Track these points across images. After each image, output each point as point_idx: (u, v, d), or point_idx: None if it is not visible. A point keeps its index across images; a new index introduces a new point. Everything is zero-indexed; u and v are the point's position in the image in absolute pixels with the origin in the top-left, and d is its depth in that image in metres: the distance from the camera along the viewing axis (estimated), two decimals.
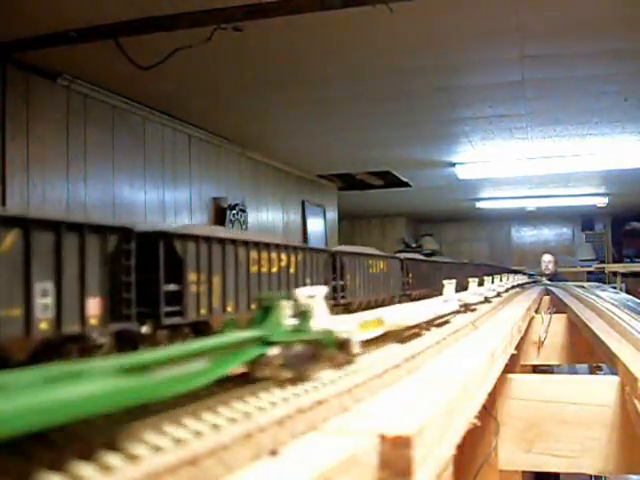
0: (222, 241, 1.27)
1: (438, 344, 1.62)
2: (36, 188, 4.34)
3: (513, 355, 2.36)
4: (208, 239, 1.22)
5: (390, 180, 9.47)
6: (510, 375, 2.54)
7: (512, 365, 2.42)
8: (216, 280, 1.23)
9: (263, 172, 7.71)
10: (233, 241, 1.30)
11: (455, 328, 1.95)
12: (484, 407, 1.81)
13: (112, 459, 0.59)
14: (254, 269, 1.36)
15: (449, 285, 2.57)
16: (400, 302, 2.65)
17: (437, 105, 5.79)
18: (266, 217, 7.72)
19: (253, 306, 1.32)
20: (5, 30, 3.80)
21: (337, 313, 1.68)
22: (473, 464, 2.47)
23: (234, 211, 6.72)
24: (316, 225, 9.14)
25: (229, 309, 1.27)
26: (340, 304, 1.87)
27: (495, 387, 1.94)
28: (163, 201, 5.75)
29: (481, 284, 3.53)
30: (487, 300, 2.96)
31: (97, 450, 0.62)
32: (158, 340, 1.06)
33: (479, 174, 8.62)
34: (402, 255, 2.77)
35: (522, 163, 8.06)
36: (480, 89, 5.28)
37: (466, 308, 2.51)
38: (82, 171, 4.76)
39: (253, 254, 1.36)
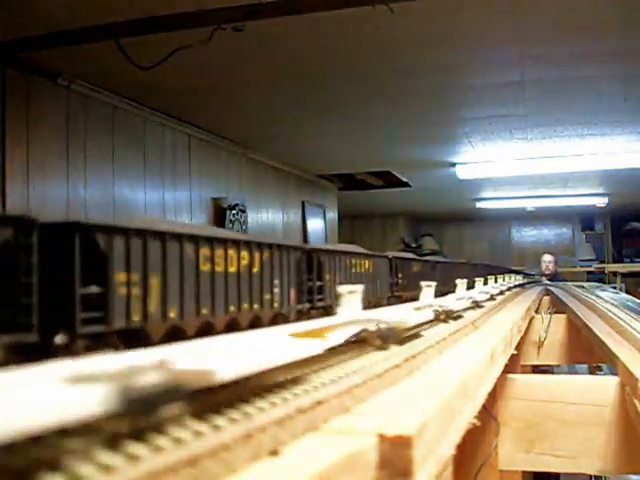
0: (162, 235, 1.04)
1: (438, 344, 1.62)
2: (36, 188, 4.34)
3: (513, 355, 2.35)
4: (142, 232, 0.99)
5: (390, 180, 9.47)
6: (510, 375, 2.54)
7: (512, 365, 2.42)
8: (154, 281, 1.01)
9: (263, 172, 7.71)
10: (177, 235, 1.07)
11: (455, 328, 1.95)
12: (484, 407, 1.81)
13: (112, 459, 0.59)
14: (205, 268, 1.13)
15: (428, 289, 2.20)
16: (389, 304, 2.23)
17: (437, 105, 5.79)
18: (266, 217, 7.72)
19: (205, 311, 1.14)
20: (5, 30, 3.80)
21: (314, 317, 1.52)
22: (473, 464, 2.47)
23: (234, 211, 6.73)
24: (316, 225, 9.14)
25: (171, 315, 1.05)
26: (317, 307, 1.61)
27: (495, 387, 1.94)
28: (163, 201, 5.75)
29: (471, 287, 3.32)
30: (478, 305, 2.65)
31: (97, 450, 0.62)
32: (75, 352, 0.87)
33: (479, 174, 8.61)
34: (391, 254, 2.46)
35: (522, 163, 8.06)
36: (480, 89, 5.28)
37: (447, 316, 2.07)
38: (82, 171, 4.76)
39: (204, 251, 1.14)
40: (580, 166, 8.05)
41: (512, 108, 5.80)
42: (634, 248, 13.10)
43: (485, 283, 3.81)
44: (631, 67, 4.72)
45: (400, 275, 2.52)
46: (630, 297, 5.04)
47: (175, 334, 1.05)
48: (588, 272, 13.05)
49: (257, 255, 1.36)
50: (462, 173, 8.49)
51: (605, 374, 3.80)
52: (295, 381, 1.01)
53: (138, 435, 0.67)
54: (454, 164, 8.21)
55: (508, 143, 7.16)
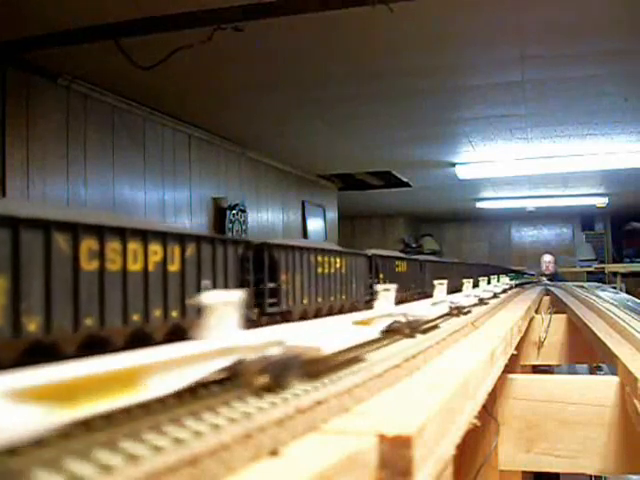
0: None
1: (438, 344, 1.62)
2: (36, 188, 4.34)
3: (513, 355, 2.36)
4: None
5: (390, 180, 9.47)
6: (510, 375, 2.54)
7: (512, 365, 2.42)
8: None
9: (263, 172, 7.71)
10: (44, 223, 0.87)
11: (454, 328, 1.95)
12: (484, 407, 1.81)
13: (112, 459, 0.59)
14: (89, 266, 0.91)
15: (440, 286, 2.28)
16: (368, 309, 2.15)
17: (437, 105, 5.79)
18: (266, 217, 7.72)
19: (137, 318, 1.01)
20: (5, 30, 3.80)
21: (267, 324, 1.34)
22: (473, 464, 2.47)
23: (234, 211, 6.73)
24: (316, 225, 9.15)
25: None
26: (269, 313, 1.43)
27: (495, 387, 1.94)
28: (163, 201, 5.75)
29: (455, 291, 3.03)
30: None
31: (96, 449, 0.62)
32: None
33: (479, 174, 8.62)
34: (371, 251, 2.21)
35: (522, 163, 8.06)
36: (480, 89, 5.28)
37: (458, 311, 2.27)
38: (82, 171, 4.77)
39: (88, 243, 0.92)
40: (580, 166, 8.05)
41: (512, 108, 5.80)
42: (634, 248, 13.10)
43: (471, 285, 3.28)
44: (631, 67, 4.72)
45: (382, 276, 2.26)
46: (630, 297, 5.04)
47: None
48: (588, 272, 13.05)
49: (176, 250, 1.11)
50: (462, 173, 8.50)
51: (605, 374, 3.80)
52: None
53: (138, 435, 0.67)
54: (454, 164, 8.21)
55: (508, 143, 7.17)
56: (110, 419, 0.70)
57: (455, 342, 1.85)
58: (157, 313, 1.05)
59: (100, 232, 0.93)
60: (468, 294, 2.79)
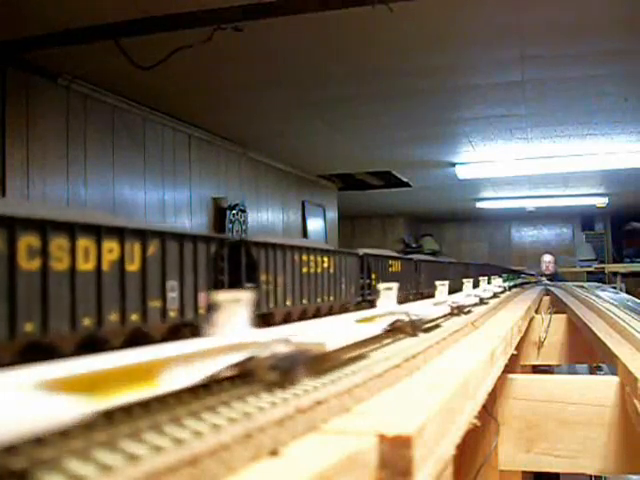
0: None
1: (438, 344, 1.62)
2: (36, 188, 4.34)
3: (513, 355, 2.36)
4: None
5: (390, 180, 9.47)
6: (510, 375, 2.54)
7: (512, 365, 2.42)
8: None
9: (263, 172, 7.71)
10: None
11: (454, 328, 1.95)
12: (484, 407, 1.81)
13: (112, 459, 0.59)
14: (31, 266, 0.83)
15: (442, 287, 2.44)
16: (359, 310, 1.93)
17: (437, 105, 5.79)
18: (266, 217, 7.72)
19: (88, 322, 0.93)
20: (5, 30, 3.80)
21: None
22: (473, 464, 2.47)
23: (234, 211, 6.73)
24: (316, 225, 9.15)
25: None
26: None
27: (495, 387, 1.94)
28: (163, 201, 5.75)
29: (453, 292, 2.88)
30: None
31: (96, 450, 0.62)
32: None
33: (479, 174, 8.62)
34: (362, 251, 2.13)
35: (522, 163, 8.06)
36: (480, 89, 5.28)
37: (459, 310, 2.31)
38: (82, 171, 4.77)
39: (58, 242, 0.87)
40: (580, 166, 8.05)
41: (512, 108, 5.80)
42: (634, 248, 13.10)
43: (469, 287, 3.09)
44: (631, 66, 4.72)
45: (374, 276, 2.17)
46: (630, 297, 5.04)
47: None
48: (588, 272, 13.05)
49: (136, 248, 1.01)
50: (462, 173, 8.50)
51: (605, 374, 3.80)
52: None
53: (138, 435, 0.67)
54: (454, 164, 8.21)
55: (508, 143, 7.17)
56: (110, 419, 0.70)
57: (455, 342, 1.85)
58: (113, 317, 0.96)
59: (42, 227, 0.84)
60: (469, 294, 2.81)
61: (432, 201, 11.82)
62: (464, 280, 2.97)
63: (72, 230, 0.88)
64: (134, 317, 0.99)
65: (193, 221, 6.16)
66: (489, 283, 3.78)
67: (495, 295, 3.47)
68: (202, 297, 1.16)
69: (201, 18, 3.58)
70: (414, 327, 1.66)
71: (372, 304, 2.07)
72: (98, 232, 0.93)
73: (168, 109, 5.64)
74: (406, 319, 1.62)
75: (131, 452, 0.62)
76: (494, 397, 2.42)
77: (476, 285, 3.22)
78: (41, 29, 3.77)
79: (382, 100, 5.57)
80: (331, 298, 1.78)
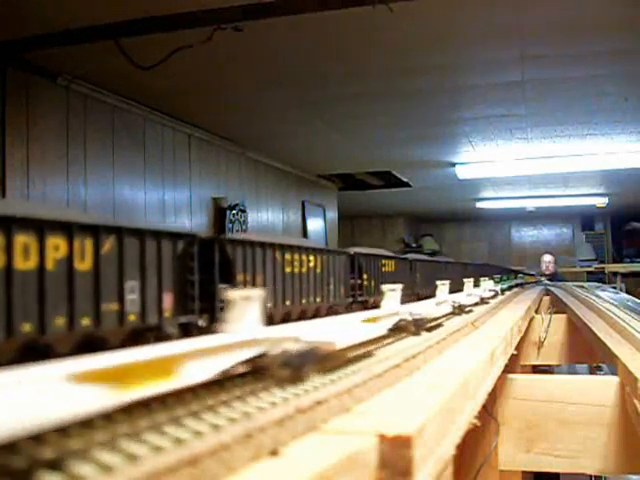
0: None
1: (438, 344, 1.62)
2: (36, 188, 4.34)
3: (513, 355, 2.36)
4: None
5: (390, 180, 9.47)
6: (510, 375, 2.54)
7: (512, 365, 2.42)
8: None
9: (263, 172, 7.71)
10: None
11: (455, 327, 1.95)
12: (484, 407, 1.81)
13: (112, 459, 0.59)
14: None
15: (443, 287, 2.46)
16: (351, 312, 1.84)
17: (437, 105, 5.79)
18: (266, 217, 7.72)
19: (28, 328, 0.87)
20: (5, 30, 3.80)
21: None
22: (473, 464, 2.47)
23: (234, 211, 6.73)
24: (316, 225, 9.15)
25: None
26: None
27: (495, 387, 1.94)
28: (163, 201, 5.75)
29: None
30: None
31: (97, 450, 0.62)
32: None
33: (479, 174, 8.62)
34: (353, 250, 2.04)
35: (522, 163, 8.06)
36: (480, 89, 5.28)
37: (460, 310, 2.37)
38: (82, 171, 4.77)
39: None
40: (580, 166, 8.05)
41: (512, 108, 5.80)
42: (634, 248, 13.10)
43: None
44: (631, 67, 4.72)
45: (365, 276, 2.07)
46: (630, 297, 5.04)
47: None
48: (588, 272, 13.05)
49: (88, 245, 0.91)
50: (462, 173, 8.50)
51: (605, 374, 3.80)
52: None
53: (138, 435, 0.67)
54: (454, 164, 8.21)
55: (508, 143, 7.16)
56: (110, 418, 0.70)
57: (455, 342, 1.85)
58: (59, 321, 0.87)
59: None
60: (469, 294, 2.83)
61: (432, 201, 11.82)
62: (465, 280, 2.97)
63: (8, 225, 0.80)
64: (85, 321, 0.90)
65: (193, 221, 6.16)
66: (477, 286, 3.28)
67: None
68: (167, 299, 1.07)
69: (201, 18, 3.58)
70: (417, 326, 1.67)
71: (365, 305, 2.05)
72: (40, 227, 0.84)
73: (168, 109, 5.63)
74: (409, 319, 1.64)
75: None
76: (494, 397, 2.42)
77: (460, 289, 2.90)
78: (41, 29, 3.77)
79: (382, 100, 5.57)
80: (318, 299, 1.68)
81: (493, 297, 3.40)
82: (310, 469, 0.67)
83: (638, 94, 5.36)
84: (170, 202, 5.85)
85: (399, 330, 1.61)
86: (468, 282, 2.92)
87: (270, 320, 1.38)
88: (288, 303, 1.53)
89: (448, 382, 1.21)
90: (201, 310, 1.15)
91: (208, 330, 1.13)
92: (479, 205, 11.76)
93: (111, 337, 0.95)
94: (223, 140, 6.69)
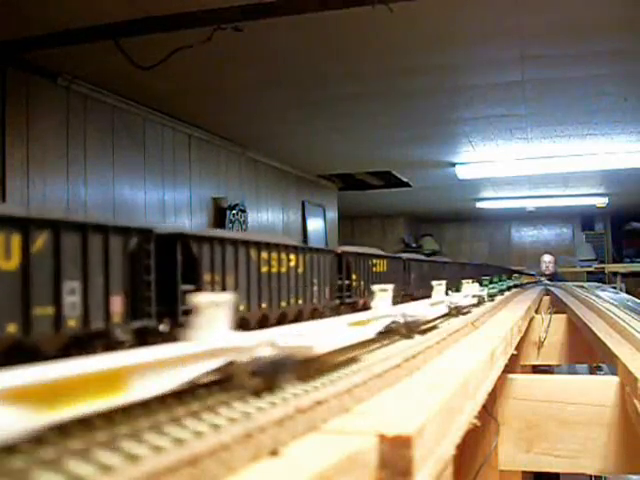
0: None
1: (438, 344, 1.62)
2: (36, 188, 4.34)
3: (513, 355, 2.36)
4: None
5: (390, 180, 9.47)
6: (510, 375, 2.54)
7: (512, 365, 2.42)
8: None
9: (263, 172, 7.71)
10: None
11: (454, 328, 1.95)
12: (484, 407, 1.81)
13: (112, 459, 0.59)
14: None
15: (439, 287, 2.42)
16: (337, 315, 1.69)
17: (437, 105, 5.79)
18: (266, 217, 7.72)
19: None
20: (5, 30, 3.80)
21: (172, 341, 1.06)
22: (473, 464, 2.47)
23: (234, 211, 6.73)
24: (316, 225, 9.14)
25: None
26: (181, 324, 1.10)
27: (495, 387, 1.94)
28: (163, 201, 5.75)
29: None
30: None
31: (97, 450, 0.62)
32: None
33: (479, 174, 8.62)
34: (341, 248, 1.90)
35: (522, 163, 8.06)
36: (480, 89, 5.28)
37: (457, 311, 2.39)
38: (82, 171, 4.76)
39: None
40: (580, 166, 8.05)
41: (512, 108, 5.80)
42: (634, 248, 13.10)
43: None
44: (631, 67, 4.72)
45: (354, 277, 1.93)
46: (630, 297, 5.04)
47: None
48: (588, 272, 13.05)
49: (15, 241, 0.80)
50: (462, 173, 8.49)
51: (605, 374, 3.80)
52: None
53: (138, 435, 0.67)
54: (454, 164, 8.21)
55: (508, 143, 7.16)
56: (110, 418, 0.70)
57: (455, 342, 1.85)
58: None
59: None
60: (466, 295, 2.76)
61: (432, 201, 11.82)
62: (463, 280, 2.95)
63: None
64: (11, 328, 0.79)
65: (193, 221, 6.16)
66: (457, 290, 2.79)
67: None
68: (116, 301, 0.96)
69: (201, 18, 3.58)
70: (409, 329, 1.62)
71: (354, 307, 1.91)
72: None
73: (168, 109, 5.63)
74: (401, 321, 1.59)
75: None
76: (494, 397, 2.42)
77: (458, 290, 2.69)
78: (41, 29, 3.77)
79: (382, 100, 5.57)
80: (299, 302, 1.55)
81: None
82: (310, 469, 0.67)
83: (638, 94, 5.36)
84: (170, 202, 5.85)
85: (390, 333, 1.56)
86: (438, 285, 2.37)
87: (244, 325, 1.25)
88: (264, 306, 1.40)
89: (448, 382, 1.21)
90: (160, 314, 1.03)
91: (170, 337, 1.01)
92: (479, 205, 11.75)
93: (45, 345, 0.84)
94: (223, 140, 6.69)
